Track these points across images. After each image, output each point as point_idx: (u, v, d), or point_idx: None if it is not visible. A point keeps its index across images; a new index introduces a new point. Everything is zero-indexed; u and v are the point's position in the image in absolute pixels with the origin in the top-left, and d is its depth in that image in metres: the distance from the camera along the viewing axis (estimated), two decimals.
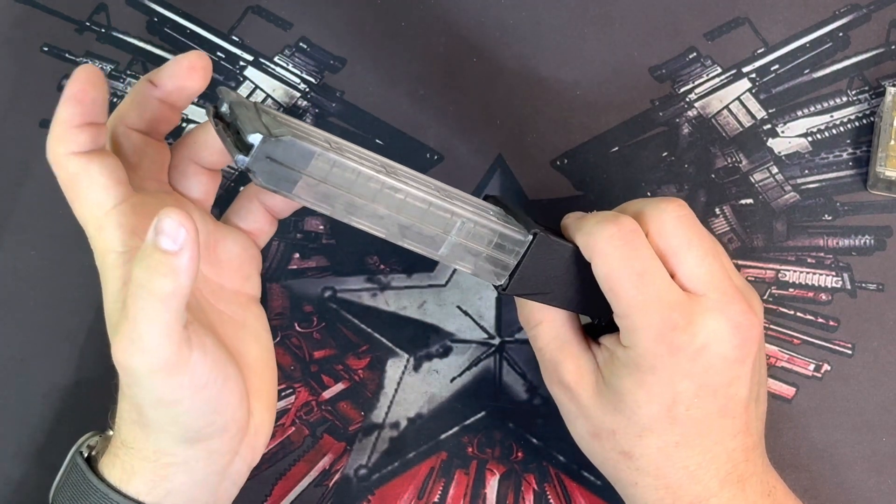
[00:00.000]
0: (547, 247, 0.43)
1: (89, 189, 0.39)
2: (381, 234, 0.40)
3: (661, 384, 0.41)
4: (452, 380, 0.53)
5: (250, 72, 0.59)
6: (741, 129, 0.57)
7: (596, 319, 0.47)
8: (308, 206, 0.38)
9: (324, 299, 0.55)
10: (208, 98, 0.57)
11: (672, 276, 0.42)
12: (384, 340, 0.54)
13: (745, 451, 0.43)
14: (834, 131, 0.57)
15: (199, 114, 0.58)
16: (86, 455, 0.42)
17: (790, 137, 0.57)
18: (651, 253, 0.41)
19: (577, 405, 0.44)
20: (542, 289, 0.43)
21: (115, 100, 0.58)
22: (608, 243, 0.41)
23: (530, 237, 0.42)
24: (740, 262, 0.54)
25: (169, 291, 0.35)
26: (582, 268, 0.43)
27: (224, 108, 0.39)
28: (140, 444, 0.40)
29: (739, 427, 0.42)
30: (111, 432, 0.42)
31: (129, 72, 0.58)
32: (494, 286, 0.44)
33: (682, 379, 0.41)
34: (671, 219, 0.42)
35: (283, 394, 0.53)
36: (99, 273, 0.40)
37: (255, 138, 0.36)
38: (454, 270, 0.54)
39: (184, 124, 0.57)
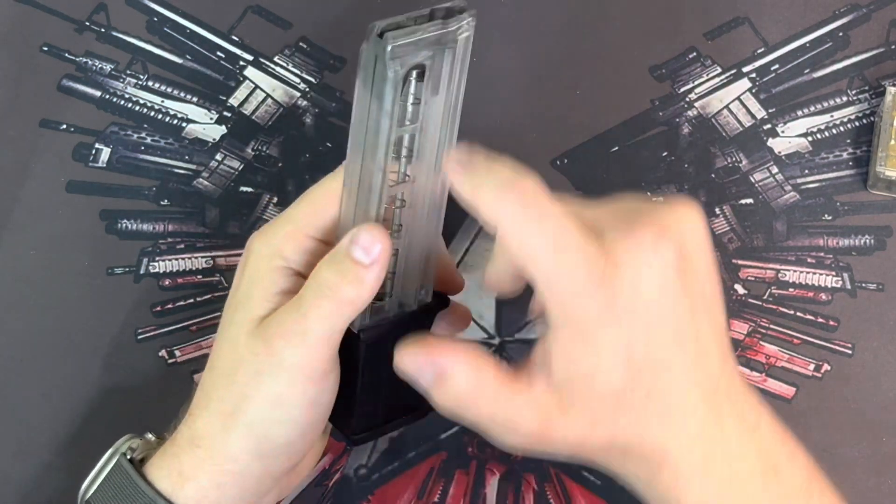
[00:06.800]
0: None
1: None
2: None
3: (614, 340, 0.34)
4: None
5: (250, 71, 0.59)
6: (741, 129, 0.57)
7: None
8: None
9: None
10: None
11: None
12: None
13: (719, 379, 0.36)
14: (834, 131, 0.57)
15: (198, 113, 0.58)
16: (129, 458, 0.41)
17: (790, 137, 0.57)
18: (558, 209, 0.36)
19: (549, 427, 0.35)
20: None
21: (114, 99, 0.58)
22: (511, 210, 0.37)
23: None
24: (740, 262, 0.54)
25: (349, 298, 0.37)
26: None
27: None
28: (215, 441, 0.38)
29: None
30: (150, 436, 0.42)
31: (128, 72, 0.58)
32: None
33: (632, 325, 0.34)
34: None
35: None
36: (243, 272, 0.40)
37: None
38: None
39: (183, 124, 0.57)
